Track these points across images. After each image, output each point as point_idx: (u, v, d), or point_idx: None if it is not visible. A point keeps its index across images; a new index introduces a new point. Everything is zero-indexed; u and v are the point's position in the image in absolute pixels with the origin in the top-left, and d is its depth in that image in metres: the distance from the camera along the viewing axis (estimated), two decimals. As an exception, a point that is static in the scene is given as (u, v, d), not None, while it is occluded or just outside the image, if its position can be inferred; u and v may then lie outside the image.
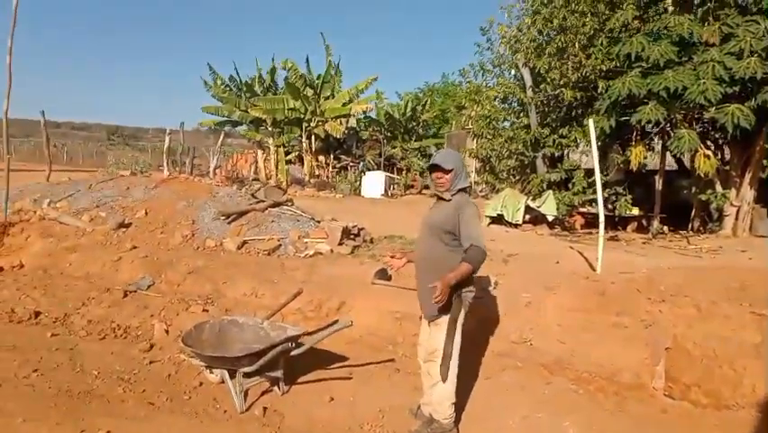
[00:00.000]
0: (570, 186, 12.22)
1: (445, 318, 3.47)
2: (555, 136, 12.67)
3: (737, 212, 10.82)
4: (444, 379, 3.53)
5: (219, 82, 24.41)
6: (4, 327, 5.35)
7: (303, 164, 23.43)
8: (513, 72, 14.42)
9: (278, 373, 4.21)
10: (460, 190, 3.53)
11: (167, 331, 5.36)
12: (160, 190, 9.22)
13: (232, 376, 4.04)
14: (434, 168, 3.52)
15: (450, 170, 3.47)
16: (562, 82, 12.10)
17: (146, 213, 8.42)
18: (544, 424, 3.82)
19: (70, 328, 5.47)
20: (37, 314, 5.66)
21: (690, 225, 11.77)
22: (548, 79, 12.45)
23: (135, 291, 6.16)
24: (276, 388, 4.29)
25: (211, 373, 4.33)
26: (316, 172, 23.15)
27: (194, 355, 4.24)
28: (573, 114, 12.77)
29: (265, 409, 3.99)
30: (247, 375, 4.03)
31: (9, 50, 7.74)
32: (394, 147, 24.83)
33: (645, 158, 11.18)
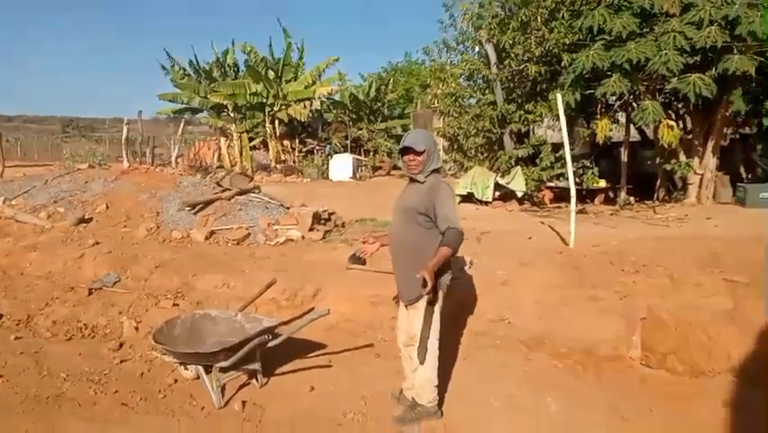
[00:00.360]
0: (537, 161, 12.28)
1: (423, 302, 3.40)
2: (521, 112, 12.68)
3: (701, 180, 11.07)
4: (422, 362, 3.49)
5: (177, 68, 23.71)
6: (-38, 333, 5.11)
7: (268, 150, 23.04)
8: (477, 49, 14.34)
9: (256, 366, 4.11)
10: (433, 171, 3.47)
11: (136, 328, 5.20)
12: (120, 183, 8.92)
13: (207, 372, 3.92)
14: (406, 150, 3.41)
15: (422, 152, 3.38)
16: (526, 57, 12.08)
17: (107, 207, 8.14)
18: (526, 401, 3.82)
19: (34, 330, 5.26)
20: (-2, 317, 5.41)
21: (655, 195, 12.00)
22: (512, 55, 12.42)
23: (101, 289, 5.94)
24: (254, 381, 4.19)
25: (185, 369, 4.21)
26: (282, 157, 22.81)
27: (166, 353, 4.10)
28: (538, 89, 12.79)
29: (244, 402, 3.89)
30: (223, 370, 3.91)
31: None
32: (360, 129, 24.56)
33: (611, 131, 11.30)
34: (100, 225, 7.64)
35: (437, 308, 3.47)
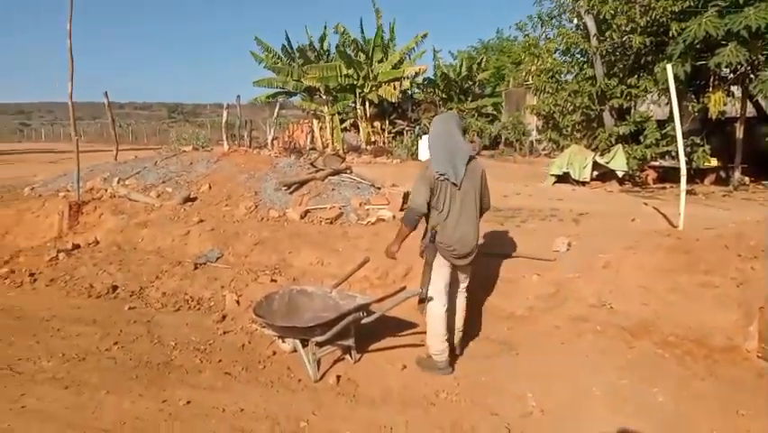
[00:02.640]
0: (641, 139, 11.56)
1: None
2: (623, 87, 11.97)
3: (829, 158, 9.96)
4: (422, 312, 4.12)
5: (270, 53, 24.40)
6: (83, 302, 5.58)
7: (359, 131, 23.31)
8: (575, 21, 13.63)
9: (350, 342, 4.17)
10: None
11: (238, 302, 5.43)
12: (221, 164, 9.33)
13: (304, 345, 4.03)
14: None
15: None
16: (629, 28, 11.36)
17: (210, 187, 8.55)
18: (629, 390, 3.61)
19: (146, 301, 5.64)
20: (114, 288, 5.86)
21: (774, 175, 10.95)
22: (614, 26, 11.71)
23: (205, 264, 6.27)
24: (348, 356, 4.25)
25: (283, 342, 4.34)
26: (372, 138, 22.99)
27: (266, 326, 4.25)
28: (643, 61, 12.01)
29: (339, 377, 3.96)
30: (319, 344, 4.00)
31: (69, 34, 7.90)
32: (450, 108, 24.25)
33: (725, 105, 10.41)
34: (204, 204, 8.05)
35: (437, 268, 3.98)
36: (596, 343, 4.25)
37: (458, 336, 4.27)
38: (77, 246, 6.97)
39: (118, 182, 8.94)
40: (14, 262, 6.53)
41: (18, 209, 7.87)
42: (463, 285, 4.23)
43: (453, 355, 4.18)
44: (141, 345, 4.50)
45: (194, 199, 8.20)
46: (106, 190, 8.65)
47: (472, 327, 4.84)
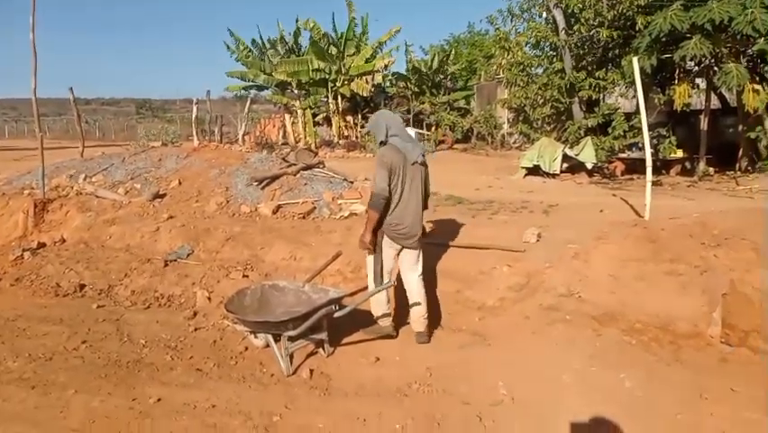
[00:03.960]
0: (609, 131, 11.76)
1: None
2: (592, 79, 12.17)
3: (789, 149, 10.28)
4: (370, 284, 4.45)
5: (242, 47, 24.11)
6: (50, 301, 5.47)
7: (331, 125, 23.20)
8: (544, 15, 13.79)
9: (323, 336, 4.17)
10: (381, 143, 4.28)
11: (209, 298, 5.39)
12: (191, 160, 9.20)
13: (276, 340, 4.02)
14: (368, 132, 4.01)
15: (369, 132, 3.93)
16: (597, 21, 11.55)
17: (180, 183, 8.43)
18: (598, 377, 3.69)
19: (115, 299, 5.56)
20: (82, 287, 5.76)
21: (737, 166, 11.27)
22: (582, 20, 11.90)
23: (175, 260, 6.19)
24: (321, 350, 4.25)
25: (255, 337, 4.32)
26: (345, 133, 22.92)
27: (237, 321, 4.23)
28: (610, 54, 12.23)
29: (312, 371, 3.96)
30: (291, 339, 3.99)
31: (32, 27, 7.68)
32: (422, 102, 24.29)
33: (690, 97, 10.65)
34: (173, 200, 7.93)
35: (384, 248, 4.34)
36: (565, 332, 4.32)
37: (421, 321, 4.45)
38: (42, 245, 6.81)
39: (85, 179, 8.76)
40: (-23, 263, 6.36)
41: (-20, 208, 7.64)
42: (418, 269, 4.48)
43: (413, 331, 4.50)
44: (110, 344, 4.42)
45: (163, 196, 8.07)
46: (72, 188, 8.46)
47: (445, 318, 4.89)
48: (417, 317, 4.44)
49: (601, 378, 3.68)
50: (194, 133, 13.27)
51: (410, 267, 4.46)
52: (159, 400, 3.50)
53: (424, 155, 4.45)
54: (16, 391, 3.63)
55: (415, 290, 4.45)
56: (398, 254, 4.42)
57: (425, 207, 4.56)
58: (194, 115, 13.72)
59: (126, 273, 5.97)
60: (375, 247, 4.32)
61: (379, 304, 4.42)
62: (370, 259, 4.39)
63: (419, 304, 4.41)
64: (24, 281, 5.93)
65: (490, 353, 4.18)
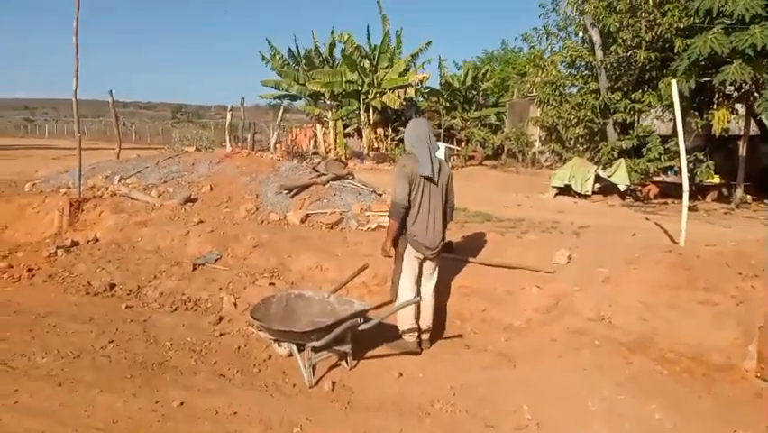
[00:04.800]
0: (643, 153, 11.56)
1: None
2: (627, 101, 12.00)
3: (831, 178, 9.95)
4: (394, 298, 4.49)
5: (278, 57, 24.45)
6: (81, 299, 5.56)
7: (362, 137, 23.30)
8: (580, 34, 13.68)
9: (347, 348, 4.15)
10: (407, 153, 4.45)
11: (235, 304, 5.41)
12: (223, 166, 9.33)
13: (300, 350, 4.01)
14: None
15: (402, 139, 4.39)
16: (634, 42, 11.42)
17: (211, 188, 8.54)
18: (626, 406, 3.59)
19: (143, 300, 5.62)
20: (112, 286, 5.84)
21: (776, 194, 10.93)
22: (619, 40, 11.77)
23: (203, 265, 6.25)
24: (344, 363, 4.23)
25: (279, 346, 4.33)
26: (375, 145, 22.99)
27: (262, 329, 4.24)
28: (647, 76, 12.05)
29: (334, 383, 3.94)
30: (315, 349, 3.98)
31: (75, 31, 7.92)
32: (453, 117, 24.25)
33: (728, 122, 10.41)
34: (204, 205, 8.03)
35: (406, 258, 4.40)
36: (593, 357, 4.22)
37: (427, 332, 4.57)
38: (76, 243, 6.95)
39: (119, 181, 8.94)
40: (13, 258, 6.51)
41: (19, 204, 7.86)
42: (433, 280, 4.61)
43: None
44: (136, 345, 4.47)
45: (194, 200, 8.19)
46: (107, 188, 8.65)
47: (471, 337, 4.83)
48: (424, 327, 4.54)
49: (630, 407, 3.58)
50: (227, 139, 13.48)
51: (426, 277, 4.56)
52: (181, 403, 3.52)
53: (448, 170, 4.59)
54: (43, 386, 3.69)
55: (426, 301, 4.55)
56: (422, 264, 4.49)
57: (449, 218, 4.67)
58: (228, 122, 13.96)
59: (155, 275, 6.05)
60: (396, 256, 4.43)
61: (406, 319, 4.42)
62: (394, 274, 4.51)
63: (428, 314, 4.51)
64: (57, 279, 6.05)
65: (516, 375, 4.10)
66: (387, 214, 7.63)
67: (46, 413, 3.35)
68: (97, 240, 7.15)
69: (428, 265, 4.53)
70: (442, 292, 5.27)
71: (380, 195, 8.68)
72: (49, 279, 6.05)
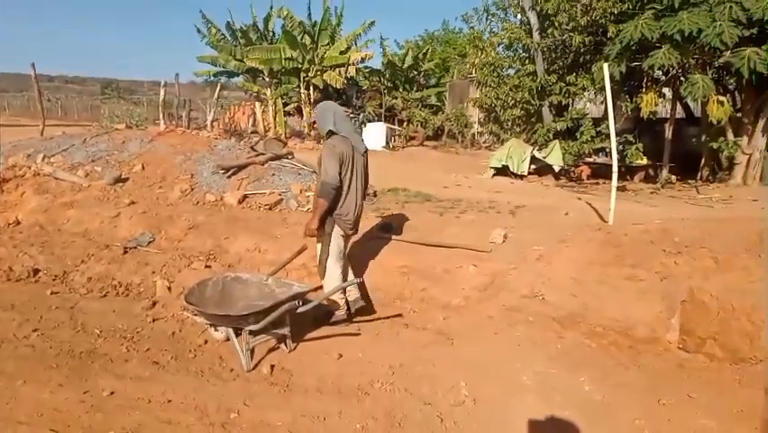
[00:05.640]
0: (577, 135, 11.94)
1: (322, 235, 4.45)
2: (562, 84, 12.32)
3: (748, 160, 10.63)
4: (323, 277, 4.57)
5: (214, 30, 23.58)
6: (1, 286, 5.24)
7: (302, 116, 22.95)
8: (519, 17, 13.90)
9: (285, 331, 4.10)
10: (330, 133, 4.38)
11: (169, 288, 5.25)
12: (156, 144, 8.96)
13: (237, 334, 3.93)
14: (313, 123, 4.60)
15: (314, 122, 4.45)
16: (570, 26, 11.69)
17: (143, 167, 8.20)
18: (558, 379, 3.72)
19: (70, 286, 5.36)
20: (35, 271, 5.54)
21: (699, 175, 11.58)
22: (556, 23, 12.03)
23: (135, 248, 6.02)
24: (283, 345, 4.19)
25: (216, 330, 4.22)
26: (316, 124, 22.70)
27: (198, 313, 4.12)
28: (581, 60, 12.40)
29: (272, 367, 3.89)
30: (253, 333, 3.91)
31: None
32: (395, 98, 24.25)
33: (656, 105, 10.88)
34: (136, 186, 7.71)
35: (334, 238, 4.46)
36: (528, 333, 4.36)
37: (357, 301, 4.71)
38: (-6, 226, 6.53)
39: (43, 159, 8.43)
40: None
41: (-72, 185, 7.30)
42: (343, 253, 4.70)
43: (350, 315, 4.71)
44: (63, 333, 4.26)
45: (125, 180, 7.85)
46: (30, 168, 8.13)
47: (410, 316, 4.89)
48: (352, 299, 4.69)
49: (561, 380, 3.71)
50: (160, 116, 12.95)
51: (346, 255, 4.73)
52: (112, 393, 3.38)
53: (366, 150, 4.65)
54: (-40, 379, 3.47)
55: (350, 271, 4.75)
56: (346, 242, 4.66)
57: (365, 196, 4.79)
58: (161, 99, 13.41)
59: (83, 259, 5.77)
60: (323, 237, 4.48)
61: (337, 293, 4.50)
62: (319, 246, 4.55)
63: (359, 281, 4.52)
64: (-26, 264, 5.67)
65: (453, 352, 4.18)
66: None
67: (-38, 407, 3.16)
68: (19, 222, 6.75)
69: (348, 242, 4.72)
70: (380, 273, 5.30)
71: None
72: (-36, 265, 5.66)
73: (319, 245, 4.55)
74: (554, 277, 4.83)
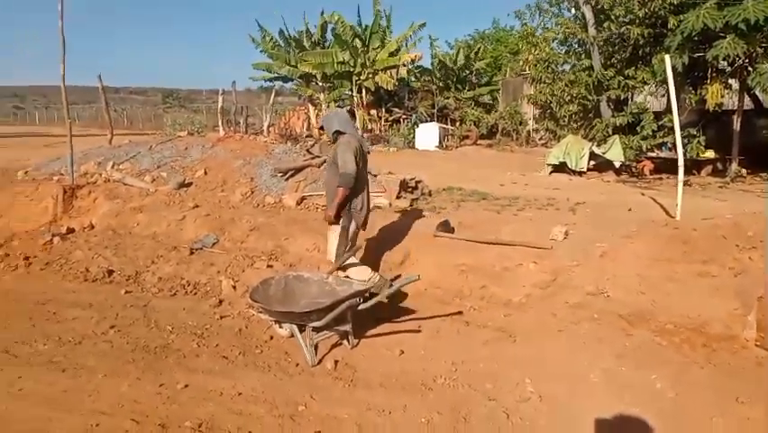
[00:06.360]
0: (637, 130, 11.56)
1: (337, 227, 4.64)
2: (621, 77, 11.96)
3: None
4: (342, 268, 4.69)
5: (268, 38, 24.19)
6: (79, 286, 5.54)
7: (355, 118, 23.19)
8: (573, 11, 13.60)
9: (347, 327, 4.16)
10: (337, 134, 4.68)
11: (234, 287, 5.41)
12: (217, 150, 9.27)
13: (301, 330, 4.02)
14: (321, 128, 5.04)
15: (321, 127, 4.91)
16: (627, 19, 11.34)
17: (205, 172, 8.49)
18: (628, 378, 3.62)
19: (142, 286, 5.61)
20: (110, 272, 5.83)
21: (770, 167, 10.98)
22: (612, 16, 11.69)
23: (201, 249, 6.24)
24: (345, 342, 4.25)
25: (280, 327, 4.33)
26: (369, 126, 22.90)
27: (262, 311, 4.24)
28: (640, 52, 12.00)
29: (336, 362, 3.95)
30: (316, 329, 3.99)
31: (60, 14, 7.77)
32: (447, 98, 24.16)
33: (722, 97, 10.41)
34: (199, 190, 8.00)
35: (349, 231, 4.69)
36: (593, 330, 4.26)
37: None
38: (71, 230, 6.92)
39: (112, 167, 8.86)
40: (9, 246, 6.47)
41: (12, 193, 7.78)
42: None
43: None
44: (137, 330, 4.47)
45: (189, 185, 8.15)
46: (101, 175, 8.57)
47: (470, 313, 4.86)
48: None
49: (631, 378, 3.62)
50: (219, 123, 13.35)
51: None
52: (186, 386, 3.53)
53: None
54: (46, 373, 3.69)
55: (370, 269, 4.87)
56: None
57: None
58: (219, 106, 13.82)
59: (153, 260, 6.04)
60: (340, 231, 4.66)
61: (366, 272, 4.76)
62: (334, 239, 4.71)
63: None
64: (54, 266, 6.02)
65: (516, 349, 4.13)
66: (382, 195, 7.69)
67: (51, 399, 3.36)
68: (93, 227, 7.12)
69: (357, 239, 4.92)
70: (439, 271, 5.30)
71: (375, 176, 8.65)
72: (46, 266, 6.02)
73: (332, 239, 4.73)
74: (620, 274, 4.70)
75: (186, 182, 8.18)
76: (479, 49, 26.44)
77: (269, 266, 5.77)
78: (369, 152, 4.86)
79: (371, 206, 4.75)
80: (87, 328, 4.46)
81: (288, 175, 8.23)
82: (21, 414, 3.18)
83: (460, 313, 4.87)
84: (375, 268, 5.60)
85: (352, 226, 4.71)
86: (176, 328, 4.48)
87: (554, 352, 4.01)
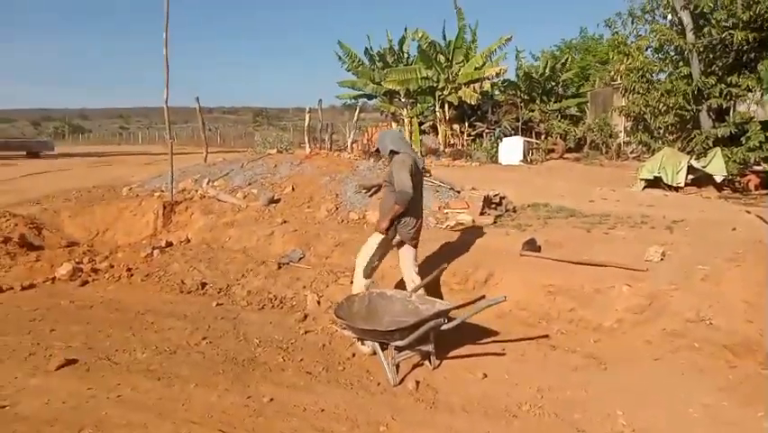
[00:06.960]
0: (742, 141, 10.76)
1: (380, 235, 4.71)
2: (722, 86, 11.20)
3: None
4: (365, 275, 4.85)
5: (352, 56, 24.78)
6: (175, 297, 5.86)
7: (437, 134, 23.20)
8: (669, 17, 12.92)
9: (430, 348, 4.13)
10: (392, 153, 4.76)
11: (318, 302, 5.53)
12: (304, 166, 9.57)
13: (383, 349, 4.03)
14: (377, 150, 5.13)
15: (377, 149, 5.05)
16: (730, 23, 10.62)
17: (293, 189, 8.78)
18: (731, 414, 3.34)
19: (232, 298, 5.85)
20: (203, 285, 6.13)
21: None
22: (713, 21, 11.00)
23: (288, 264, 6.43)
24: (427, 362, 4.21)
25: (363, 344, 4.37)
26: (451, 141, 22.82)
27: (346, 327, 4.29)
28: (744, 58, 11.22)
29: (418, 383, 3.92)
30: (398, 349, 3.99)
31: (165, 43, 8.36)
32: (532, 110, 23.64)
33: (841, 104, 9.50)
34: (287, 205, 8.27)
35: (388, 244, 4.80)
36: (693, 361, 3.98)
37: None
38: (170, 244, 7.36)
39: (208, 183, 9.37)
40: (114, 258, 6.97)
41: (117, 208, 8.41)
42: (416, 263, 4.96)
43: None
44: (227, 342, 4.65)
45: (278, 201, 8.45)
46: (197, 191, 9.09)
47: (557, 337, 4.68)
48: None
49: (734, 415, 3.33)
50: (306, 140, 13.79)
51: (413, 263, 4.91)
52: (271, 399, 3.63)
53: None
54: (143, 381, 3.91)
55: (418, 281, 4.81)
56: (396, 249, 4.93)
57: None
58: (306, 123, 14.28)
59: (243, 274, 6.30)
60: (381, 242, 4.73)
61: (362, 285, 4.84)
62: (372, 245, 4.76)
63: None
64: (153, 277, 6.42)
65: (607, 378, 3.93)
66: (465, 211, 7.62)
67: (146, 406, 3.55)
68: (189, 240, 7.53)
69: (412, 252, 4.91)
70: (524, 291, 5.15)
71: (458, 192, 8.60)
72: (146, 278, 6.42)
73: (371, 244, 4.78)
74: (724, 300, 4.36)
75: (275, 198, 8.49)
76: (566, 59, 25.70)
77: (352, 282, 5.84)
78: (425, 170, 4.85)
79: (419, 219, 4.81)
80: (182, 339, 4.69)
81: (371, 192, 8.31)
82: (119, 419, 3.38)
83: (546, 336, 4.70)
84: (458, 286, 5.55)
85: (396, 240, 4.81)
86: (263, 342, 4.63)
87: (649, 382, 3.78)
